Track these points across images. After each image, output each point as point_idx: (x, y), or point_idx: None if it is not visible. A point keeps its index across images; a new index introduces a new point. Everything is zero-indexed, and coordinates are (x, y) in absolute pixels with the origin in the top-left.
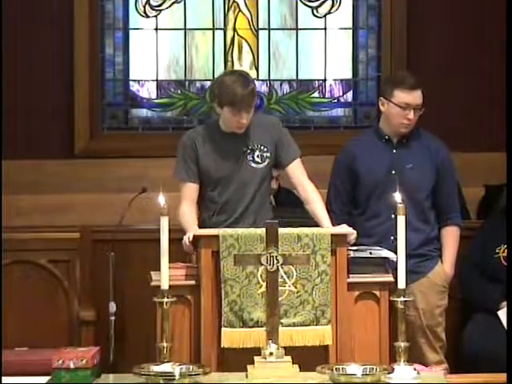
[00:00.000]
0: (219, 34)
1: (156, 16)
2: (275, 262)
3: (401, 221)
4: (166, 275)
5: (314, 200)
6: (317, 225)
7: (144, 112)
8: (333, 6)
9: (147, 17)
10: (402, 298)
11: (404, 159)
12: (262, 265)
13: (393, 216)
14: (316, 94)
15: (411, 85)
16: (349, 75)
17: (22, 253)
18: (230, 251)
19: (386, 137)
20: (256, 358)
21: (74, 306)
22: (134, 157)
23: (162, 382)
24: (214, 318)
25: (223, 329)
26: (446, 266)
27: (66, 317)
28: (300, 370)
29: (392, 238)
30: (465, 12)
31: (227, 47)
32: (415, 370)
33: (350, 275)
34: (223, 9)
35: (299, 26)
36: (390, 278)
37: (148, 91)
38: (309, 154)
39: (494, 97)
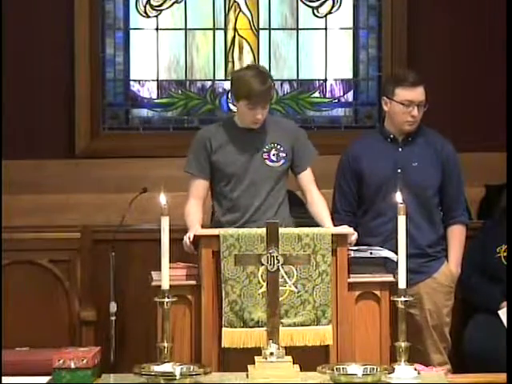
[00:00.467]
0: (220, 34)
1: (157, 16)
2: (276, 261)
3: (401, 221)
4: (167, 275)
5: (319, 204)
6: (318, 225)
7: (145, 112)
8: (333, 6)
9: (148, 17)
10: (403, 298)
11: (410, 157)
12: (262, 265)
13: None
14: (317, 94)
15: (412, 82)
16: (349, 75)
17: (22, 253)
18: (230, 251)
19: (391, 136)
20: (256, 358)
21: (74, 306)
22: (134, 157)
23: (162, 382)
24: (214, 318)
25: (224, 329)
26: (452, 266)
27: (67, 317)
28: (300, 370)
29: None
30: (465, 12)
31: (228, 47)
32: (416, 369)
33: (351, 275)
34: (224, 9)
35: (300, 26)
36: (390, 278)
37: (148, 91)
38: None
39: (494, 97)
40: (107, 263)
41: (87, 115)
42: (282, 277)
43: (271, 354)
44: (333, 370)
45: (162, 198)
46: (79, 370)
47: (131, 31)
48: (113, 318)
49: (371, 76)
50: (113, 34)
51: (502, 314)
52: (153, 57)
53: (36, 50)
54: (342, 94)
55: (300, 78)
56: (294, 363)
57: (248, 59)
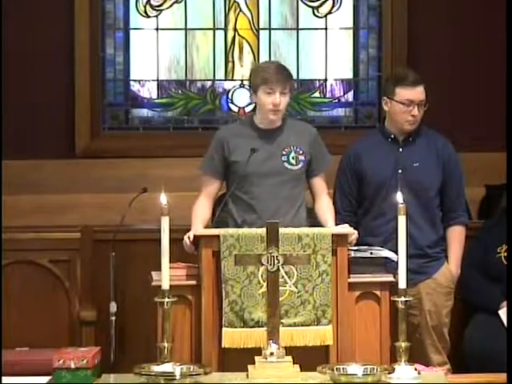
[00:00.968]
0: (220, 34)
1: (157, 16)
2: (276, 261)
3: (401, 221)
4: (167, 275)
5: (327, 212)
6: (319, 225)
7: (145, 112)
8: (333, 6)
9: (148, 17)
10: (403, 298)
11: (410, 157)
12: (262, 265)
13: None
14: (317, 94)
15: (412, 81)
16: (349, 75)
17: (22, 253)
18: (230, 251)
19: (392, 136)
20: (257, 358)
21: (74, 306)
22: (134, 157)
23: (162, 382)
24: (214, 318)
25: (224, 329)
26: (451, 266)
27: (67, 317)
28: (301, 370)
29: None
30: (465, 12)
31: (228, 47)
32: (416, 369)
33: (351, 275)
34: (224, 9)
35: (300, 26)
36: (390, 278)
37: (149, 91)
38: None
39: (494, 96)
40: (107, 263)
41: (87, 115)
42: (282, 277)
43: (271, 354)
44: (333, 370)
45: (163, 198)
46: (79, 370)
47: (131, 31)
48: (113, 318)
49: (371, 76)
50: (113, 34)
51: (502, 313)
52: (153, 57)
53: (36, 49)
54: (342, 93)
55: (300, 77)
56: (294, 363)
57: (248, 59)
